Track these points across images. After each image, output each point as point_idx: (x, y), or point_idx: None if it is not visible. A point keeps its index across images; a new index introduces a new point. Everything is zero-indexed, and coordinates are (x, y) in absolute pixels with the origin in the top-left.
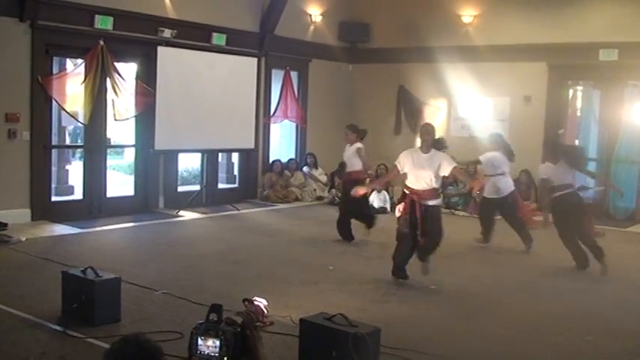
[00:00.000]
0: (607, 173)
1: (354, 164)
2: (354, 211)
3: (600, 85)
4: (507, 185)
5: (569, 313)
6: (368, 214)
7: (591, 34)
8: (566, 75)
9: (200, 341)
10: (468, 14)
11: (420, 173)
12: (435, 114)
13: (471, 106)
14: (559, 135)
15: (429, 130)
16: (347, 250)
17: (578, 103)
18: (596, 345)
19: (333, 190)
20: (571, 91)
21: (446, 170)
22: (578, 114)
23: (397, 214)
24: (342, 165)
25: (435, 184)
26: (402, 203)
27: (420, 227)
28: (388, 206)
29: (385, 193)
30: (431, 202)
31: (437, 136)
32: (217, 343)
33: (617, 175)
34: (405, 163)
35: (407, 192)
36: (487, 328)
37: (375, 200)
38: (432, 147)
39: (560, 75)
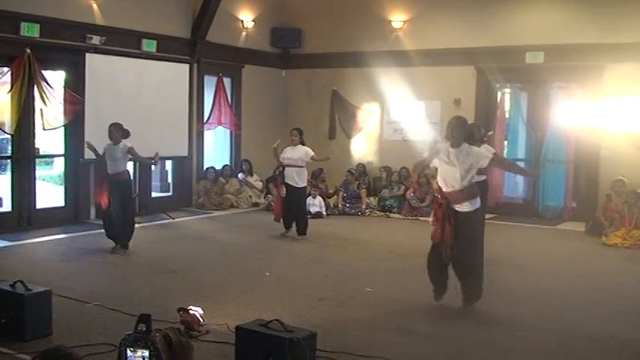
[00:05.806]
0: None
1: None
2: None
3: (527, 87)
4: None
5: (500, 309)
6: (304, 220)
7: (517, 37)
8: (494, 78)
9: (130, 353)
10: (397, 19)
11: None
12: (368, 118)
13: (403, 109)
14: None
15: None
16: (283, 255)
17: (507, 105)
18: (527, 340)
19: (269, 196)
20: (499, 94)
21: None
22: (507, 116)
23: None
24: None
25: None
26: None
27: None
28: (324, 211)
29: (320, 198)
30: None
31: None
32: (146, 353)
33: (545, 175)
34: None
35: None
36: (423, 329)
37: (311, 206)
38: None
39: (489, 78)
